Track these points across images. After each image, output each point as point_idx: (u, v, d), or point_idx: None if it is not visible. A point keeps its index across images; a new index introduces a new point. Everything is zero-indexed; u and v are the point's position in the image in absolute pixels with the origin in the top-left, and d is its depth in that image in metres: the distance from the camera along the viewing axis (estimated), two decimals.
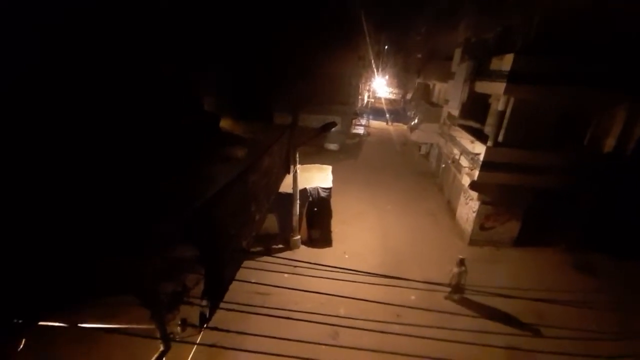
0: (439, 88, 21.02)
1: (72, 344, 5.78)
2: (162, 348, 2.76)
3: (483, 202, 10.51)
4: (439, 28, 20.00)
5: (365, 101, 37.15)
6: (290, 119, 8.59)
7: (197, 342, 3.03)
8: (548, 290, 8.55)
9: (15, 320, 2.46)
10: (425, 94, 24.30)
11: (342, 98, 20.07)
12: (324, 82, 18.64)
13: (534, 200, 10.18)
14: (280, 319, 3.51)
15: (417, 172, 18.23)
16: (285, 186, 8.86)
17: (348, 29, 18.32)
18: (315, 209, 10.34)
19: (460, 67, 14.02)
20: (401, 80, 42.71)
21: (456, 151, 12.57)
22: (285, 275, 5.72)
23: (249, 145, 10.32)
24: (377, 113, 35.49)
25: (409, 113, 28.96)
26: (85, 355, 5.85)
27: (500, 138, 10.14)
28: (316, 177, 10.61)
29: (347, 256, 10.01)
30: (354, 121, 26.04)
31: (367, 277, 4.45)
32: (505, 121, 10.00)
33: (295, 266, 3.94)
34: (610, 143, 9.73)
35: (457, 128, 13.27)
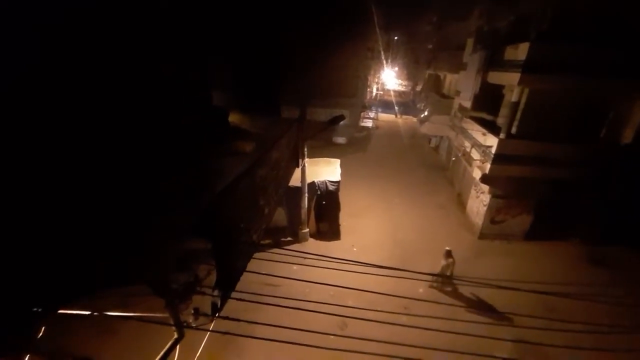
0: (450, 79, 20.55)
1: (90, 332, 6.05)
2: (176, 336, 2.86)
3: (494, 196, 10.34)
4: (450, 17, 19.45)
5: (374, 93, 36.66)
6: (298, 113, 8.57)
7: (209, 330, 3.13)
8: (560, 283, 8.42)
9: (35, 309, 2.58)
10: (435, 85, 23.80)
11: (350, 91, 19.84)
12: (331, 74, 18.45)
13: (547, 193, 9.95)
14: (290, 310, 3.58)
15: (427, 165, 18.00)
16: (294, 180, 8.91)
17: (356, 20, 17.99)
18: (324, 202, 10.38)
19: (472, 58, 13.63)
20: (411, 71, 41.89)
21: (467, 144, 12.33)
22: (294, 267, 5.80)
23: (257, 140, 10.35)
24: (386, 105, 35.01)
25: (418, 105, 28.50)
26: (102, 343, 6.12)
27: (513, 130, 9.89)
28: (324, 170, 10.62)
29: (355, 249, 10.06)
30: (362, 114, 25.79)
31: (375, 269, 4.47)
32: (519, 112, 9.73)
33: (305, 258, 3.99)
34: (628, 134, 9.37)
35: (468, 120, 12.99)
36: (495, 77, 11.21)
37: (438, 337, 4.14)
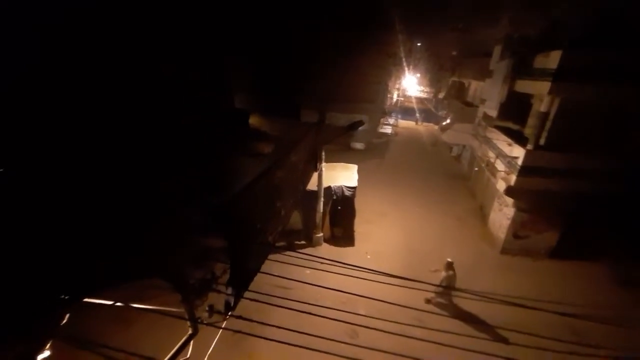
0: (474, 87, 19.98)
1: (110, 322, 6.31)
2: (190, 331, 2.93)
3: (519, 209, 9.86)
4: (477, 23, 18.96)
5: (394, 99, 36.25)
6: (317, 117, 8.62)
7: (222, 328, 3.18)
8: (587, 306, 7.86)
9: (62, 296, 2.73)
10: (459, 92, 23.21)
11: (370, 96, 19.73)
12: (352, 79, 18.45)
13: (576, 209, 9.37)
14: (300, 314, 3.56)
15: (448, 175, 17.50)
16: (310, 183, 8.94)
17: (378, 26, 17.94)
18: (339, 208, 10.33)
19: (499, 65, 13.21)
20: (433, 78, 41.08)
21: (491, 154, 11.90)
22: (307, 271, 5.79)
23: (276, 142, 10.51)
24: (407, 112, 34.51)
25: (440, 112, 27.90)
26: (119, 333, 6.36)
27: (541, 141, 9.44)
28: (341, 175, 10.58)
29: (369, 256, 9.91)
30: (381, 120, 25.54)
31: (389, 278, 4.37)
32: (549, 123, 9.28)
33: (319, 262, 3.97)
34: None
35: (493, 129, 12.54)
36: (523, 86, 10.78)
37: (452, 354, 3.97)
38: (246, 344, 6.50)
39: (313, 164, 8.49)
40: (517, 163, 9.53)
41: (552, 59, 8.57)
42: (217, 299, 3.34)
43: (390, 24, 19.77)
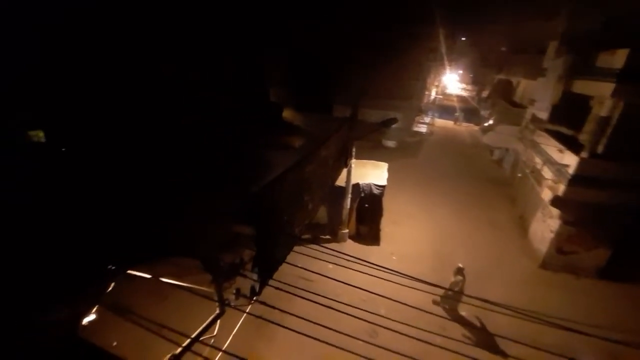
0: (524, 86, 18.45)
1: (147, 295, 6.90)
2: (217, 311, 3.12)
3: (565, 222, 9.01)
4: (530, 16, 17.38)
5: (432, 97, 34.65)
6: (350, 112, 8.54)
7: (246, 312, 3.34)
8: (634, 332, 7.02)
9: (109, 267, 3.05)
10: (505, 91, 21.54)
11: (406, 93, 19.04)
12: (387, 75, 17.94)
13: (632, 225, 8.34)
14: (321, 307, 3.61)
15: (486, 179, 16.45)
16: (339, 179, 8.93)
17: (419, 20, 17.16)
18: (366, 205, 10.21)
19: (554, 63, 12.04)
20: (477, 75, 38.58)
21: (538, 160, 10.96)
22: (330, 265, 5.84)
23: (307, 136, 10.63)
24: (445, 111, 32.85)
25: (482, 112, 26.16)
26: (156, 306, 6.93)
27: (599, 149, 8.48)
28: (371, 173, 10.43)
29: (394, 258, 9.71)
30: (416, 118, 24.59)
31: (414, 282, 4.26)
32: (609, 129, 8.30)
33: (343, 258, 3.98)
34: None
35: (542, 133, 11.53)
36: (581, 87, 9.75)
37: None
38: (268, 329, 6.74)
39: (343, 160, 8.46)
40: (567, 171, 8.69)
41: (617, 58, 7.65)
42: (244, 284, 3.50)
43: (432, 17, 18.80)
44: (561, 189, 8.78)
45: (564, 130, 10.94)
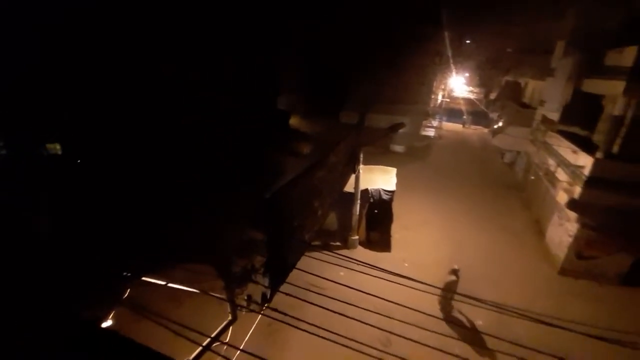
0: (532, 87, 18.20)
1: (165, 300, 6.94)
2: (230, 318, 3.12)
3: (584, 226, 8.71)
4: (538, 16, 17.25)
5: (439, 101, 34.44)
6: (357, 118, 8.56)
7: (258, 319, 3.33)
8: None
9: (125, 273, 3.10)
10: (513, 93, 21.27)
11: (413, 97, 19.01)
12: (394, 80, 17.97)
13: None
14: (332, 314, 3.57)
15: (498, 183, 16.14)
16: (347, 185, 8.90)
17: (424, 23, 17.21)
18: (376, 211, 10.12)
19: (563, 62, 11.89)
20: (484, 77, 38.23)
21: (552, 161, 10.71)
22: (342, 272, 5.78)
23: (315, 143, 10.69)
24: (453, 114, 32.59)
25: (491, 115, 25.83)
26: (173, 310, 6.95)
27: (614, 149, 8.25)
28: (379, 178, 10.37)
29: (406, 264, 9.55)
30: (424, 122, 24.45)
31: (427, 288, 4.17)
32: (624, 128, 8.07)
33: (355, 264, 3.94)
34: None
35: (554, 134, 11.29)
36: (592, 86, 9.56)
37: None
38: (280, 336, 6.69)
39: (351, 166, 8.45)
40: (582, 173, 8.45)
41: (626, 56, 7.51)
42: (255, 290, 3.50)
43: (437, 20, 18.85)
44: (577, 191, 8.54)
45: (576, 130, 10.69)
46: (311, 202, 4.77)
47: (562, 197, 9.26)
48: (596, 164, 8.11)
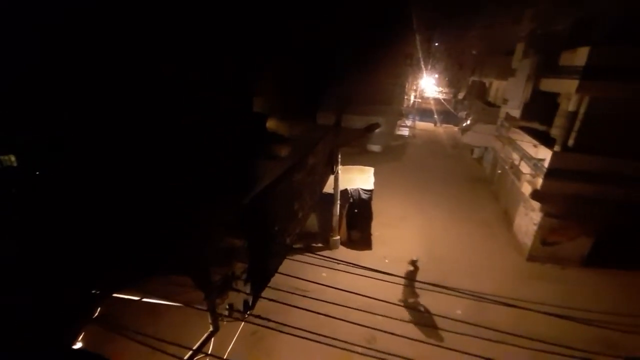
0: (496, 86, 19.34)
1: (142, 314, 6.58)
2: (211, 329, 3.02)
3: (547, 214, 9.38)
4: (499, 20, 18.40)
5: (412, 101, 35.67)
6: (334, 120, 8.65)
7: (241, 327, 3.25)
8: (620, 316, 7.33)
9: (93, 291, 2.90)
10: (479, 92, 22.52)
11: (387, 98, 19.55)
12: (368, 81, 18.35)
13: (611, 215, 8.78)
14: (317, 316, 3.57)
15: (469, 178, 16.96)
16: (327, 186, 8.95)
17: (395, 26, 17.78)
18: (356, 211, 10.27)
19: (522, 63, 12.73)
20: (452, 78, 40.15)
21: (515, 156, 11.43)
22: (324, 273, 5.79)
23: (293, 145, 10.66)
24: (425, 114, 33.84)
25: (460, 114, 27.13)
26: (151, 325, 6.61)
27: (570, 142, 8.96)
28: (358, 178, 10.53)
29: (387, 261, 9.75)
30: (398, 122, 25.18)
31: (409, 283, 4.29)
32: (578, 123, 8.80)
33: (338, 263, 3.97)
34: None
35: (517, 130, 12.06)
36: (548, 85, 10.33)
37: None
38: (265, 343, 6.57)
39: (330, 167, 8.51)
40: (543, 165, 9.09)
41: (579, 56, 8.17)
42: (236, 299, 3.42)
43: (408, 24, 19.55)
44: (539, 182, 9.17)
45: (536, 126, 11.50)
46: (291, 205, 4.75)
47: (526, 189, 9.92)
48: (554, 157, 8.76)
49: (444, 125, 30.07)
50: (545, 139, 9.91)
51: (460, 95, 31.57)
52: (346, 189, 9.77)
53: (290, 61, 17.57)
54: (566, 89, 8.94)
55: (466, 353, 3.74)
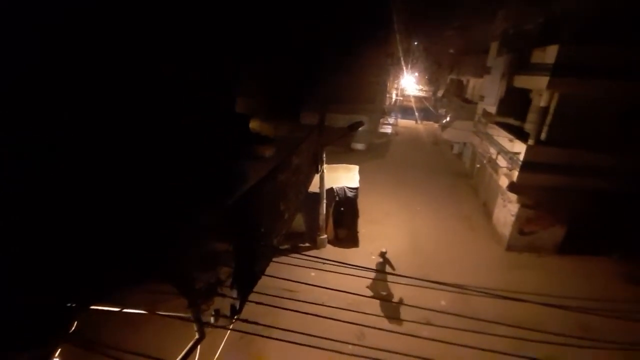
0: (473, 84, 20.00)
1: (121, 326, 6.31)
2: (197, 336, 2.93)
3: (523, 205, 9.81)
4: (474, 20, 19.03)
5: (393, 99, 36.29)
6: (317, 119, 8.65)
7: (228, 333, 3.18)
8: (596, 301, 7.79)
9: (69, 304, 2.74)
10: (458, 90, 23.23)
11: (369, 97, 19.77)
12: (350, 80, 18.49)
13: (582, 205, 9.31)
14: (307, 316, 3.55)
15: (449, 173, 17.46)
16: (313, 185, 8.94)
17: (376, 26, 18.00)
18: (342, 209, 10.31)
19: (497, 61, 13.23)
20: (432, 76, 41.20)
21: (493, 150, 11.87)
22: (312, 273, 5.77)
23: (277, 145, 10.58)
24: (406, 112, 34.52)
25: (440, 111, 27.90)
26: (131, 337, 6.35)
27: (542, 136, 9.40)
28: (343, 176, 10.58)
29: (374, 257, 9.85)
30: (381, 120, 25.56)
31: (395, 278, 4.36)
32: (549, 118, 9.25)
33: (324, 263, 3.96)
34: None
35: (493, 126, 12.53)
36: (521, 81, 10.78)
37: (461, 352, 3.94)
38: (254, 347, 6.47)
39: (315, 166, 8.50)
40: (518, 159, 9.50)
41: (549, 54, 8.57)
42: (223, 303, 3.33)
43: (388, 24, 19.83)
44: (515, 175, 9.57)
45: (511, 121, 12.00)
46: (277, 206, 4.70)
47: (504, 181, 10.33)
48: (528, 150, 9.17)
49: (425, 122, 30.79)
50: (520, 134, 10.35)
51: (440, 93, 32.44)
52: (332, 188, 9.80)
53: (273, 62, 17.42)
54: (538, 85, 9.36)
55: (451, 343, 3.84)
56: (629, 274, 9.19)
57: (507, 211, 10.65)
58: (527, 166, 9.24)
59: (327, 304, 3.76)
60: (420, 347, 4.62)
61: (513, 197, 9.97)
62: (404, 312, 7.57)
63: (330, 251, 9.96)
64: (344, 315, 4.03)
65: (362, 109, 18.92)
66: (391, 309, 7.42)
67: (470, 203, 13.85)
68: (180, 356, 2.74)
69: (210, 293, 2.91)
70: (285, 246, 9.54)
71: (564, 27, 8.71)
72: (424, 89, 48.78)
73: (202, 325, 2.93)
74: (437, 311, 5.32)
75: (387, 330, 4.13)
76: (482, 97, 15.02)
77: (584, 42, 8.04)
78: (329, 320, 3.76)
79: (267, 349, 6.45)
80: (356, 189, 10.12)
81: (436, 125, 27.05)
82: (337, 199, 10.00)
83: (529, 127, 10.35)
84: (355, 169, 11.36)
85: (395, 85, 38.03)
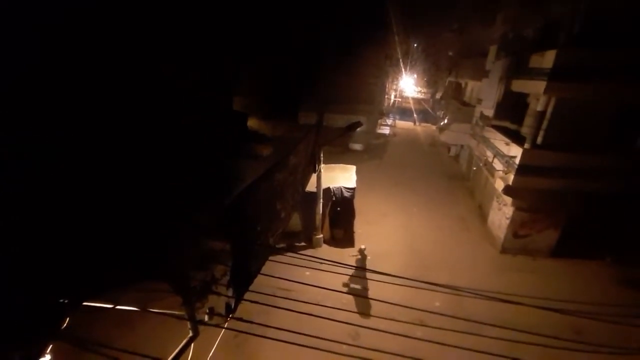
0: (471, 87, 20.11)
1: (114, 325, 6.26)
2: (191, 334, 2.91)
3: (518, 208, 9.89)
4: (473, 23, 19.13)
5: (392, 101, 36.39)
6: (315, 119, 8.64)
7: (223, 331, 3.17)
8: (589, 304, 7.87)
9: (62, 300, 2.71)
10: (456, 93, 23.35)
11: (368, 97, 19.80)
12: (349, 81, 18.52)
13: (576, 208, 9.40)
14: (302, 315, 3.55)
15: (446, 175, 17.54)
16: (310, 185, 8.94)
17: (375, 27, 18.04)
18: (339, 209, 10.33)
19: (495, 65, 13.31)
20: (430, 78, 41.35)
21: (489, 153, 11.94)
22: (307, 272, 5.78)
23: (275, 144, 10.56)
24: (404, 113, 34.63)
25: (438, 113, 28.01)
26: (124, 336, 6.31)
27: (539, 140, 9.48)
28: (340, 176, 10.59)
29: (369, 257, 9.88)
30: (379, 121, 25.61)
31: (390, 278, 4.37)
32: (546, 122, 9.32)
33: (320, 263, 3.96)
34: None
35: (490, 129, 12.60)
36: (519, 86, 10.85)
37: (455, 353, 3.97)
38: (248, 346, 6.46)
39: (312, 166, 8.50)
40: (514, 162, 9.56)
41: (547, 59, 8.63)
42: (217, 302, 3.32)
43: (387, 25, 19.87)
44: (511, 178, 9.64)
45: (508, 125, 12.08)
46: (274, 205, 4.69)
47: (499, 184, 10.40)
48: (524, 154, 9.24)
49: (423, 124, 30.90)
50: (516, 137, 10.43)
51: (438, 95, 32.57)
52: (329, 188, 9.80)
53: (271, 61, 17.38)
54: (535, 89, 9.43)
55: (445, 344, 3.86)
56: (622, 277, 9.30)
57: (502, 214, 10.73)
58: (522, 170, 9.31)
59: (322, 304, 3.76)
60: (414, 347, 4.64)
61: (508, 200, 10.05)
62: (399, 313, 7.59)
63: (326, 251, 9.97)
64: (338, 314, 4.03)
65: (361, 109, 18.95)
66: (385, 309, 7.45)
67: (466, 205, 13.93)
68: (173, 354, 2.72)
69: (205, 291, 2.90)
70: (281, 245, 9.54)
71: (561, 32, 8.78)
72: (422, 90, 48.97)
73: (196, 324, 2.92)
74: (432, 312, 5.35)
75: (381, 331, 4.14)
76: (479, 100, 15.11)
77: (580, 47, 8.12)
78: (323, 319, 3.76)
79: (261, 347, 6.44)
80: (353, 189, 10.13)
81: (434, 127, 27.17)
82: (333, 198, 10.01)
83: (525, 130, 10.42)
84: (352, 169, 11.37)
85: (394, 87, 38.15)
